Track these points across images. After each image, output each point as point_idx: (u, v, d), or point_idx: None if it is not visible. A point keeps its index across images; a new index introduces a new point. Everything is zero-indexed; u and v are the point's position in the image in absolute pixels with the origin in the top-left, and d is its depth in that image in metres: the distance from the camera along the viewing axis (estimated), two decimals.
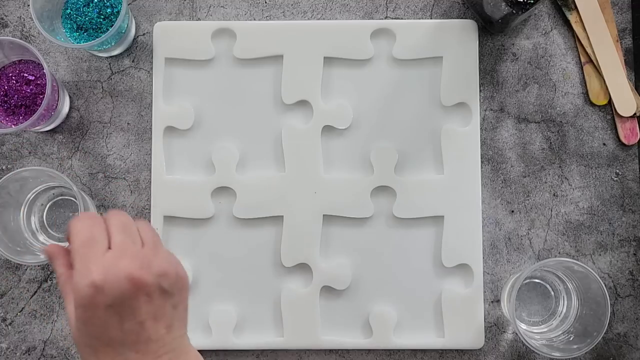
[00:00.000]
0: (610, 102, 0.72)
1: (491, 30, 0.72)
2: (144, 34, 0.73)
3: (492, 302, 0.71)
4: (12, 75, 0.68)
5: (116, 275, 0.47)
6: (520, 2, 0.64)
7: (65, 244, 0.52)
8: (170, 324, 0.50)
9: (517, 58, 0.73)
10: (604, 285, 0.62)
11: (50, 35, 0.65)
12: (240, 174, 0.71)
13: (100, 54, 0.72)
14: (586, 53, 0.72)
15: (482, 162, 0.71)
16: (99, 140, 0.72)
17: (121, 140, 0.72)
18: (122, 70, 0.73)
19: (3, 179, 0.62)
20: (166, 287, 0.49)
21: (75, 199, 0.63)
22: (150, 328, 0.48)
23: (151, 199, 0.71)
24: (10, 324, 0.70)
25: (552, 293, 0.70)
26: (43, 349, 0.70)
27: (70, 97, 0.72)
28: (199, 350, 0.70)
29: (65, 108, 0.71)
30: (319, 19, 0.73)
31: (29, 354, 0.70)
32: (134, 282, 0.47)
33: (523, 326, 0.69)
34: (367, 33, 0.71)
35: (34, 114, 0.65)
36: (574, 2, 0.72)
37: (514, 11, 0.65)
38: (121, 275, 0.47)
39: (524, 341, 0.63)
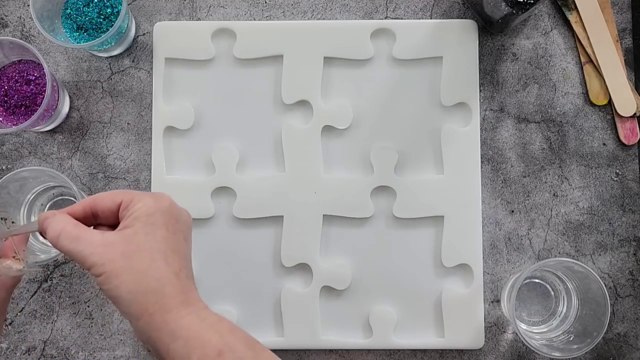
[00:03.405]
0: (610, 102, 0.72)
1: (491, 30, 0.72)
2: (144, 34, 0.73)
3: (492, 302, 0.71)
4: (12, 75, 0.68)
5: (178, 205, 0.53)
6: (520, 2, 0.64)
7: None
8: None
9: (517, 58, 0.73)
10: (604, 285, 0.62)
11: (50, 35, 0.65)
12: (240, 174, 0.71)
13: (100, 54, 0.72)
14: (586, 53, 0.72)
15: (482, 162, 0.71)
16: (99, 140, 0.72)
17: (121, 140, 0.72)
18: (122, 70, 0.73)
19: (3, 179, 0.62)
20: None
21: (75, 199, 0.63)
22: (191, 265, 0.53)
23: None
24: (10, 324, 0.70)
25: (552, 293, 0.70)
26: (43, 349, 0.70)
27: (70, 97, 0.72)
28: None
29: (65, 108, 0.71)
30: (319, 19, 0.73)
31: (29, 354, 0.70)
32: (190, 218, 0.54)
33: (523, 326, 0.69)
34: (367, 33, 0.71)
35: (34, 114, 0.65)
36: (574, 2, 0.72)
37: (514, 11, 0.65)
38: (182, 208, 0.53)
39: (524, 341, 0.63)
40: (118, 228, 0.51)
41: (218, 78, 0.72)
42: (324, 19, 0.73)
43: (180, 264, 0.50)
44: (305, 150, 0.71)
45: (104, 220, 0.53)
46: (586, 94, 0.72)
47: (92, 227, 0.52)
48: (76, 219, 0.52)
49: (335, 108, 0.71)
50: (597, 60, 0.72)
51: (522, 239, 0.71)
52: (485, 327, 0.70)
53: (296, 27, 0.72)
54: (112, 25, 0.69)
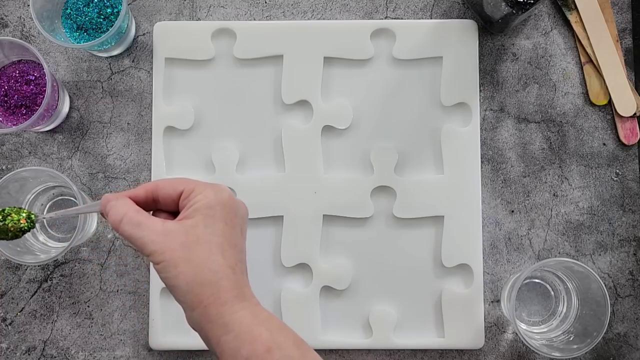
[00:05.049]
0: (610, 102, 0.72)
1: (491, 30, 0.72)
2: (144, 34, 0.73)
3: (492, 302, 0.71)
4: (12, 75, 0.68)
5: (237, 199, 0.54)
6: (520, 2, 0.64)
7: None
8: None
9: (517, 58, 0.73)
10: (604, 285, 0.62)
11: (50, 35, 0.65)
12: (240, 174, 0.71)
13: (100, 54, 0.72)
14: (586, 53, 0.72)
15: (482, 162, 0.71)
16: (99, 140, 0.72)
17: (121, 140, 0.72)
18: (122, 70, 0.73)
19: (3, 179, 0.62)
20: None
21: (75, 199, 0.63)
22: (246, 259, 0.54)
23: None
24: (10, 324, 0.70)
25: (552, 293, 0.70)
26: (43, 349, 0.70)
27: (70, 97, 0.72)
28: (200, 350, 0.71)
29: (65, 108, 0.71)
30: (319, 19, 0.73)
31: (29, 354, 0.70)
32: (247, 210, 0.55)
33: (523, 326, 0.69)
34: (367, 33, 0.71)
35: (34, 114, 0.65)
36: (574, 2, 0.72)
37: (514, 11, 0.65)
38: (239, 200, 0.55)
39: (524, 341, 0.63)
40: (178, 217, 0.52)
41: (218, 78, 0.72)
42: (324, 19, 0.73)
43: (237, 258, 0.51)
44: (305, 150, 0.71)
45: (164, 207, 0.54)
46: (586, 94, 0.72)
47: (151, 212, 0.54)
48: (137, 202, 0.53)
49: (335, 108, 0.71)
50: (597, 60, 0.72)
51: (522, 239, 0.71)
52: (485, 327, 0.70)
53: (296, 27, 0.72)
54: (112, 25, 0.68)
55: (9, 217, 0.57)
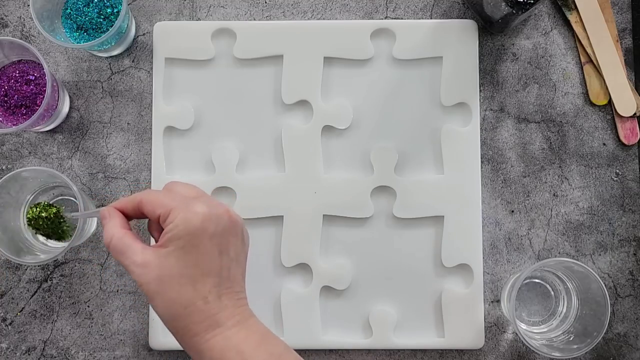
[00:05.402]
0: (610, 102, 0.72)
1: (491, 30, 0.72)
2: (144, 34, 0.73)
3: (492, 302, 0.71)
4: (12, 75, 0.68)
5: (217, 210, 0.53)
6: (520, 2, 0.64)
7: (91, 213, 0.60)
8: (243, 274, 0.55)
9: (517, 58, 0.73)
10: (604, 285, 0.62)
11: (50, 35, 0.65)
12: (240, 174, 0.71)
13: (100, 54, 0.72)
14: (586, 53, 0.72)
15: (482, 162, 0.71)
16: (99, 140, 0.72)
17: (121, 140, 0.72)
18: (122, 70, 0.73)
19: (3, 179, 0.62)
20: (244, 235, 0.56)
21: (75, 199, 0.63)
22: (235, 270, 0.54)
23: None
24: (10, 324, 0.70)
25: (552, 293, 0.70)
26: (43, 349, 0.70)
27: (70, 97, 0.72)
28: None
29: (65, 108, 0.71)
30: (319, 19, 0.73)
31: (29, 354, 0.70)
32: (231, 218, 0.54)
33: (523, 326, 0.69)
34: (367, 33, 0.71)
35: (34, 114, 0.66)
36: (574, 2, 0.72)
37: (514, 11, 0.65)
38: (221, 210, 0.54)
39: (524, 341, 0.63)
40: (157, 243, 0.54)
41: (218, 78, 0.72)
42: (324, 19, 0.73)
43: (211, 284, 0.52)
44: (305, 150, 0.71)
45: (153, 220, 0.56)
46: (586, 94, 0.72)
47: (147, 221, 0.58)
48: (127, 214, 0.56)
49: (335, 108, 0.71)
50: (597, 60, 0.72)
51: (522, 239, 0.71)
52: (485, 327, 0.70)
53: (296, 27, 0.72)
54: (112, 25, 0.69)
55: (41, 215, 0.62)
